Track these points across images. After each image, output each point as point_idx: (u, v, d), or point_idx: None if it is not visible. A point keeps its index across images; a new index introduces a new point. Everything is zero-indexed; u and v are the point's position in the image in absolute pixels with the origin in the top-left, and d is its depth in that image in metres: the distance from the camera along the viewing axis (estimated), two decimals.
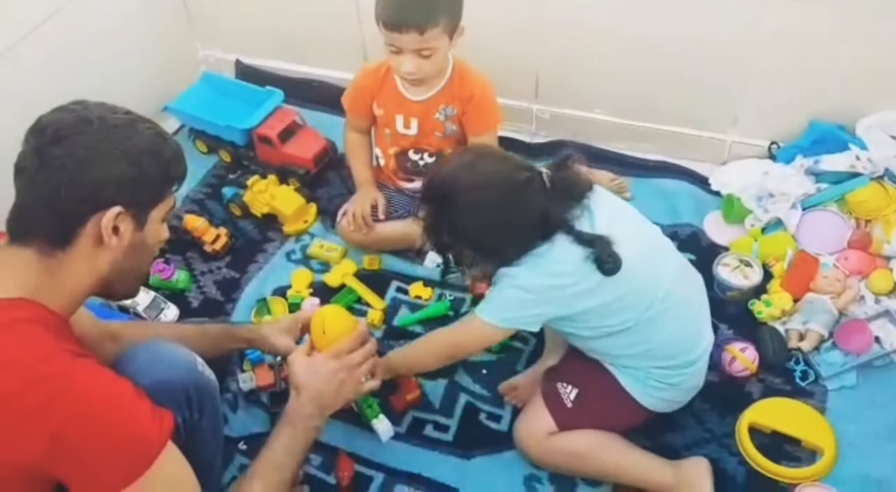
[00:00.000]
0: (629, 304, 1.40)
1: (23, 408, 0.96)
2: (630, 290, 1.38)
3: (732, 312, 1.81)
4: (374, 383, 1.49)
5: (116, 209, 1.08)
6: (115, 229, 1.09)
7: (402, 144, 1.95)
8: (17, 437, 0.97)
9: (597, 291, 1.37)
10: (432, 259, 1.92)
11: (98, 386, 1.02)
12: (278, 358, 1.66)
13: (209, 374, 1.28)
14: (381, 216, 1.98)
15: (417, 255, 1.98)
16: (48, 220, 1.07)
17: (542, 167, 1.40)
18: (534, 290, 1.39)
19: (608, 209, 1.42)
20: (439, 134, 1.91)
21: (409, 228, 1.90)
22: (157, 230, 1.19)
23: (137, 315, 1.83)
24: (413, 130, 1.91)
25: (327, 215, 2.11)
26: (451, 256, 1.47)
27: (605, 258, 1.34)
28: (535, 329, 1.49)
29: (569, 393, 1.53)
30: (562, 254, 1.36)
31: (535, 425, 1.55)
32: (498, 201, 1.35)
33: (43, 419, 0.96)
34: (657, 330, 1.43)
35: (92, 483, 1.01)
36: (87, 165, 1.06)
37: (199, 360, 1.27)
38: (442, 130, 1.90)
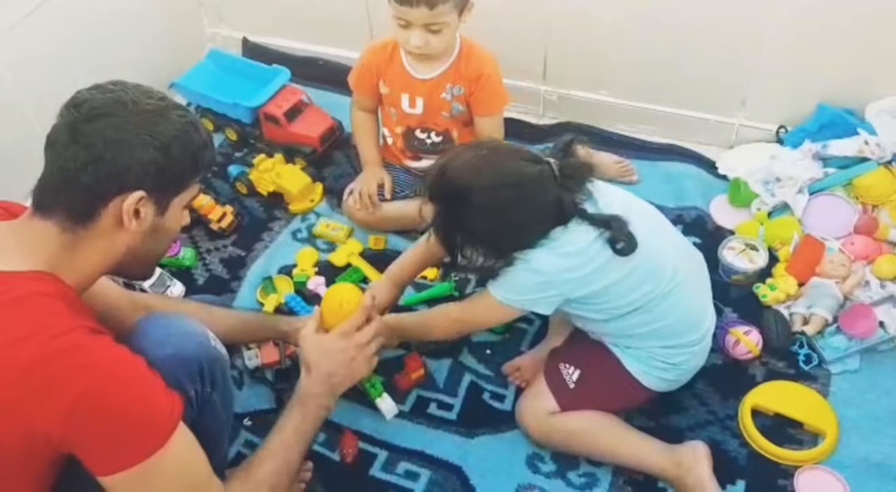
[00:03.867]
0: (640, 279, 1.40)
1: (40, 381, 0.97)
2: (639, 263, 1.38)
3: (737, 296, 1.81)
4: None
5: (139, 194, 1.08)
6: (137, 213, 1.09)
7: (409, 123, 1.95)
8: (32, 409, 0.97)
9: (608, 269, 1.37)
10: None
11: (114, 364, 1.02)
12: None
13: (220, 348, 1.28)
14: (388, 196, 1.98)
15: (422, 235, 1.97)
16: (72, 195, 1.07)
17: (548, 156, 1.39)
18: (547, 273, 1.38)
19: (608, 191, 1.43)
20: (446, 114, 1.90)
21: (414, 209, 1.88)
22: (179, 216, 1.19)
23: (143, 291, 1.83)
24: (418, 109, 1.90)
25: (333, 195, 2.11)
26: (459, 254, 1.45)
27: (622, 238, 1.34)
28: (548, 313, 1.48)
29: (571, 374, 1.54)
30: (574, 236, 1.36)
31: (537, 404, 1.56)
32: (515, 200, 1.34)
33: (59, 393, 0.97)
34: (669, 307, 1.44)
35: (103, 459, 1.02)
36: (116, 146, 1.06)
37: (211, 334, 1.27)
38: (448, 109, 1.89)
